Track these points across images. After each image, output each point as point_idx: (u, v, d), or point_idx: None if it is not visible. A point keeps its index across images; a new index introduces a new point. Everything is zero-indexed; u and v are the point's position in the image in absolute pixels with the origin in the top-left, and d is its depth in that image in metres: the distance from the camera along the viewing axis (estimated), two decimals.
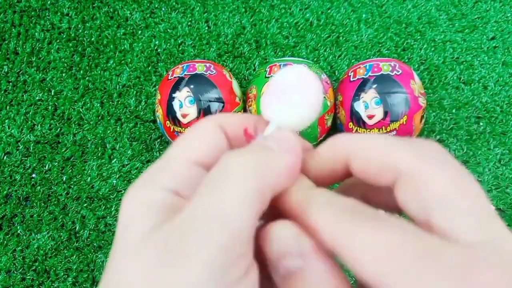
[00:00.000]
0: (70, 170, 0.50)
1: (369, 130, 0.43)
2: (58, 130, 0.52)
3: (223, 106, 0.44)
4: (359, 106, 0.42)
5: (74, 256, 0.47)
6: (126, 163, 0.50)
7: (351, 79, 0.44)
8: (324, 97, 0.43)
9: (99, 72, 0.53)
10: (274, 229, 0.14)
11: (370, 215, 0.13)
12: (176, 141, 0.17)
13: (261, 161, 0.14)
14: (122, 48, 0.54)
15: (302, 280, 0.13)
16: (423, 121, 0.44)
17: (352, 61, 0.53)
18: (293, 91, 0.17)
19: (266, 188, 0.14)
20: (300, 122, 0.17)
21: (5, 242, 0.48)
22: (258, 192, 0.14)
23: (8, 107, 0.53)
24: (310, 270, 0.13)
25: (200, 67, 0.45)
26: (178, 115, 0.43)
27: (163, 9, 0.56)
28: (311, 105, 0.17)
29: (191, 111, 0.43)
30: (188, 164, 0.16)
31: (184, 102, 0.43)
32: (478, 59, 0.52)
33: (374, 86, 0.42)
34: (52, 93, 0.53)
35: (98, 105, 0.52)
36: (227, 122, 0.17)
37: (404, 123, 0.42)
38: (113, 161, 0.50)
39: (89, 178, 0.50)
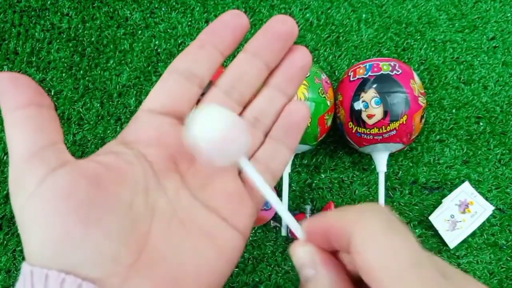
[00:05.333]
0: None
1: (369, 129, 0.43)
2: None
3: None
4: (359, 106, 0.42)
5: None
6: None
7: (351, 79, 0.44)
8: (324, 97, 0.43)
9: (99, 72, 0.53)
10: (295, 248, 0.19)
11: None
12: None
13: None
14: (122, 48, 0.54)
15: (315, 284, 0.18)
16: (423, 121, 0.44)
17: (352, 61, 0.53)
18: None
19: None
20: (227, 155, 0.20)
21: (5, 242, 0.48)
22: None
23: None
24: (323, 277, 0.18)
25: None
26: None
27: (163, 9, 0.56)
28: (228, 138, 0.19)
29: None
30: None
31: None
32: (478, 59, 0.52)
33: (374, 85, 0.42)
34: (52, 93, 0.53)
35: (98, 105, 0.52)
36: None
37: (404, 122, 0.42)
38: None
39: None
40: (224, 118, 0.19)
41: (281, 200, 0.47)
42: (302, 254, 0.19)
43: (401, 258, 0.14)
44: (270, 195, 0.20)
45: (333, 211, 0.19)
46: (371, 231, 0.15)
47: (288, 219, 0.20)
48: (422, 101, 0.43)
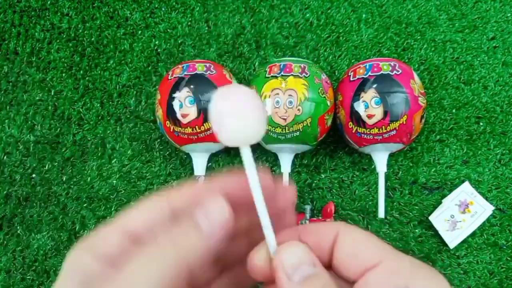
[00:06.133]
0: (70, 170, 0.50)
1: (369, 129, 0.42)
2: (58, 130, 0.52)
3: None
4: (359, 106, 0.42)
5: None
6: (126, 163, 0.50)
7: (351, 79, 0.44)
8: (324, 97, 0.43)
9: (99, 72, 0.53)
10: (289, 248, 0.19)
11: None
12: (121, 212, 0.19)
13: (180, 245, 0.17)
14: (122, 48, 0.54)
15: (317, 280, 0.18)
16: (423, 121, 0.44)
17: (352, 61, 0.53)
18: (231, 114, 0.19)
19: (181, 266, 0.17)
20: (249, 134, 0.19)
21: (5, 242, 0.48)
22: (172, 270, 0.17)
23: (8, 107, 0.53)
24: (323, 273, 0.18)
25: (200, 67, 0.45)
26: (178, 115, 0.43)
27: (163, 9, 0.56)
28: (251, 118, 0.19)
29: (191, 111, 0.43)
30: (122, 234, 0.18)
31: (184, 102, 0.43)
32: (478, 59, 0.52)
33: (374, 86, 0.42)
34: (52, 93, 0.53)
35: (98, 105, 0.52)
36: (176, 196, 0.19)
37: (404, 122, 0.42)
38: (113, 161, 0.50)
39: (89, 178, 0.50)
40: (241, 96, 0.19)
41: None
42: (301, 253, 0.18)
43: (372, 243, 0.19)
44: (259, 201, 0.19)
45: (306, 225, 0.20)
46: (355, 229, 0.20)
47: (267, 227, 0.19)
48: (422, 101, 0.43)
